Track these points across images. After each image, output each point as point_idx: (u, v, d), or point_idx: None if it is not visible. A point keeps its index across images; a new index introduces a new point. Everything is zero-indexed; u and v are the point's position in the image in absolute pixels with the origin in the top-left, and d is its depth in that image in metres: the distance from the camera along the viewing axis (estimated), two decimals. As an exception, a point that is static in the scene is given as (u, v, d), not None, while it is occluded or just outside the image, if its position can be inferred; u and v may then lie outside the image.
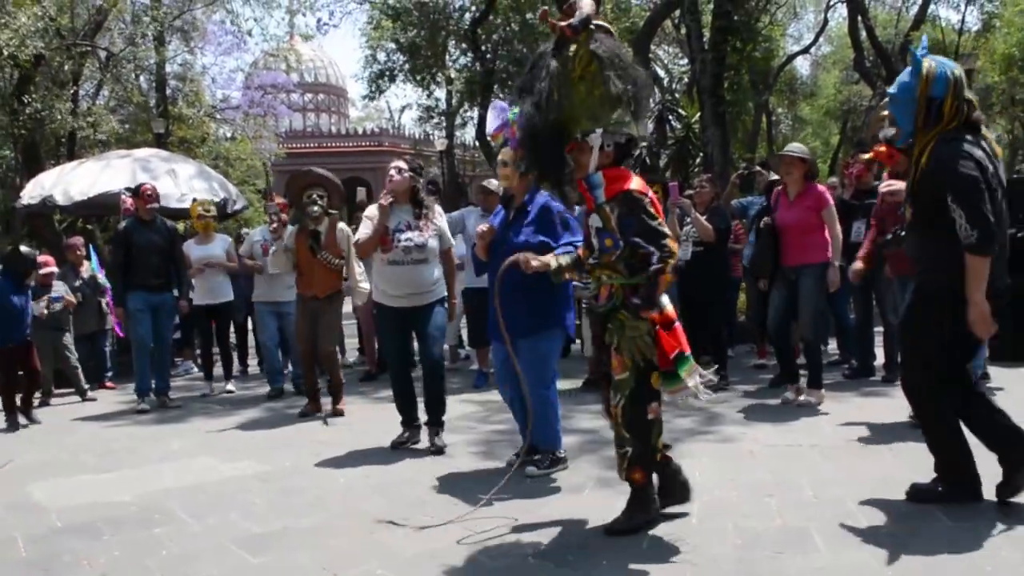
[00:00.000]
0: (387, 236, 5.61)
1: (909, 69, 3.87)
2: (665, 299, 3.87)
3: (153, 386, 8.17)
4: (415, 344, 5.87)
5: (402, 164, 5.86)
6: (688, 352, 3.87)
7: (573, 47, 3.71)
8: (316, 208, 7.01)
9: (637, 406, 3.80)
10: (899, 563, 3.32)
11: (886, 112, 4.02)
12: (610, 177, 3.88)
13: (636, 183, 3.89)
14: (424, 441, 5.79)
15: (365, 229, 5.69)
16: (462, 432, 6.13)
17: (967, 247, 3.63)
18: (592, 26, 3.71)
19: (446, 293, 5.93)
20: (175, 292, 8.33)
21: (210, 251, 8.81)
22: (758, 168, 9.70)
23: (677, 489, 4.05)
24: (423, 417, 5.87)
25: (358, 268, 7.46)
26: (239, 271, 9.17)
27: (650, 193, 3.90)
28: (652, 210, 3.80)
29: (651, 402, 3.83)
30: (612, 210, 3.84)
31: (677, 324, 3.90)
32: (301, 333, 7.21)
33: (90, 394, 8.95)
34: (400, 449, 5.76)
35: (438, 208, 6.07)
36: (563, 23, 3.68)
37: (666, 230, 3.79)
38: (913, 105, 3.83)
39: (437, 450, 5.61)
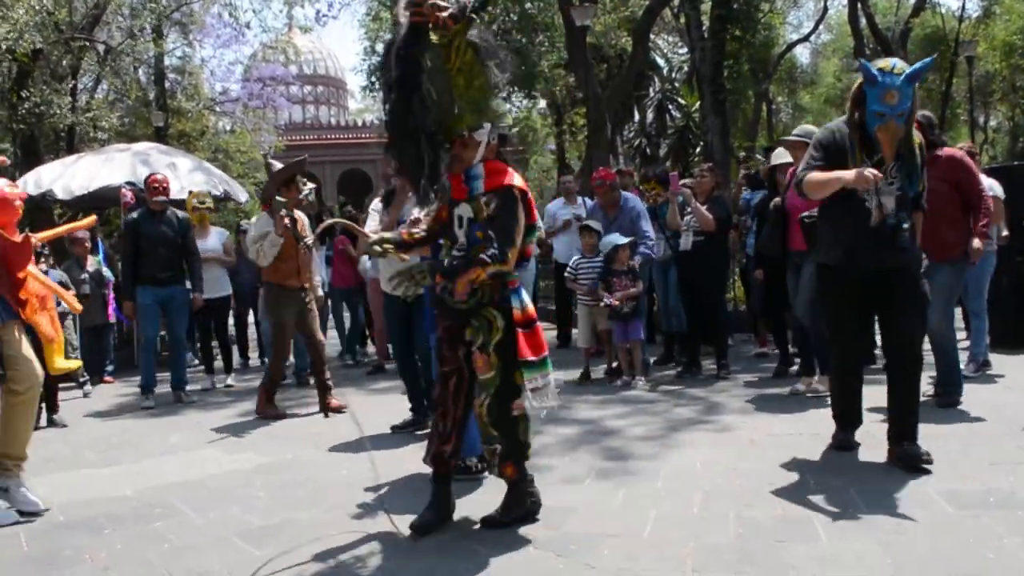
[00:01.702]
0: (393, 228, 5.63)
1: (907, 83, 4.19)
2: (526, 298, 3.81)
3: (170, 380, 8.10)
4: None
5: None
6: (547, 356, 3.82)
7: (440, 38, 3.54)
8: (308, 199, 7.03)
9: (503, 404, 3.76)
10: (901, 551, 3.31)
11: None
12: (491, 170, 3.80)
13: (518, 180, 3.81)
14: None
15: (373, 223, 5.73)
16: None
17: None
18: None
19: None
20: (187, 285, 8.15)
21: (206, 245, 8.78)
22: (758, 157, 9.70)
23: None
24: None
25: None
26: (232, 265, 9.20)
27: (529, 194, 3.84)
28: (521, 212, 3.74)
29: (515, 399, 3.76)
30: (488, 202, 3.73)
31: (538, 325, 3.85)
32: (290, 328, 7.05)
33: (87, 387, 8.95)
34: (401, 439, 5.76)
35: None
36: (442, 13, 3.48)
37: (518, 239, 3.72)
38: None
39: None
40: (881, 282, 4.44)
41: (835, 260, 4.52)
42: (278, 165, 7.09)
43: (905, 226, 4.39)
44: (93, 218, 7.04)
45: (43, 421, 7.25)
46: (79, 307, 5.77)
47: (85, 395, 8.68)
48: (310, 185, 7.22)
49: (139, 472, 5.36)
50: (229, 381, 8.86)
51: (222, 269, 9.02)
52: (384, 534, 3.91)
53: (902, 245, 4.40)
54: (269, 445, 5.91)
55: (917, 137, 4.47)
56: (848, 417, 4.84)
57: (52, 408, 7.24)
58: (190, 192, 9.41)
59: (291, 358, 8.66)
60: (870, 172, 4.07)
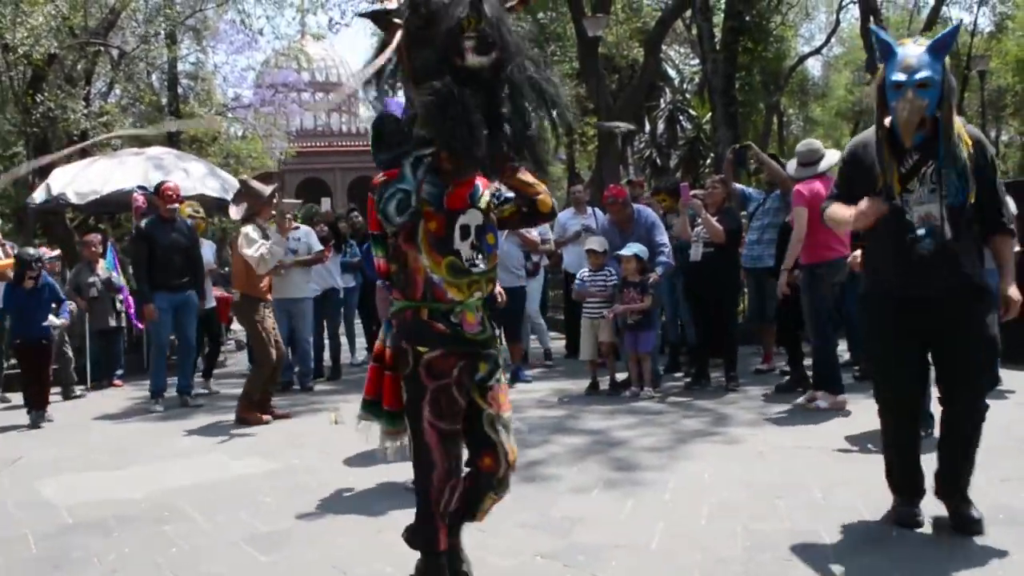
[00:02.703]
0: None
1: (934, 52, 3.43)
2: None
3: (177, 384, 8.17)
4: None
5: None
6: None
7: None
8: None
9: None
10: (909, 566, 3.31)
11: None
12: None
13: None
14: None
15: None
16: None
17: None
18: None
19: None
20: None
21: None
22: (749, 143, 9.66)
23: None
24: None
25: None
26: (216, 277, 9.39)
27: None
28: None
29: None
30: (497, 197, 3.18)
31: None
32: (275, 338, 7.19)
33: (78, 390, 8.99)
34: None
35: None
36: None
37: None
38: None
39: None
40: (932, 313, 3.57)
41: (875, 286, 3.78)
42: (258, 185, 7.23)
43: (953, 241, 3.48)
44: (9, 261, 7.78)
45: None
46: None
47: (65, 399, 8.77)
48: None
49: (148, 475, 5.38)
50: (211, 387, 9.01)
51: (210, 279, 9.16)
52: (391, 541, 3.91)
53: (955, 267, 3.51)
54: (277, 451, 5.92)
55: (962, 128, 3.57)
56: (908, 485, 3.82)
57: (40, 404, 7.41)
58: (182, 201, 9.46)
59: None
60: (871, 207, 3.53)
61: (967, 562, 3.32)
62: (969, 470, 3.66)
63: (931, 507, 3.80)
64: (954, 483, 3.67)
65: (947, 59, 3.44)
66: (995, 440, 5.22)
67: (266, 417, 7.04)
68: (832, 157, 6.75)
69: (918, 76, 3.36)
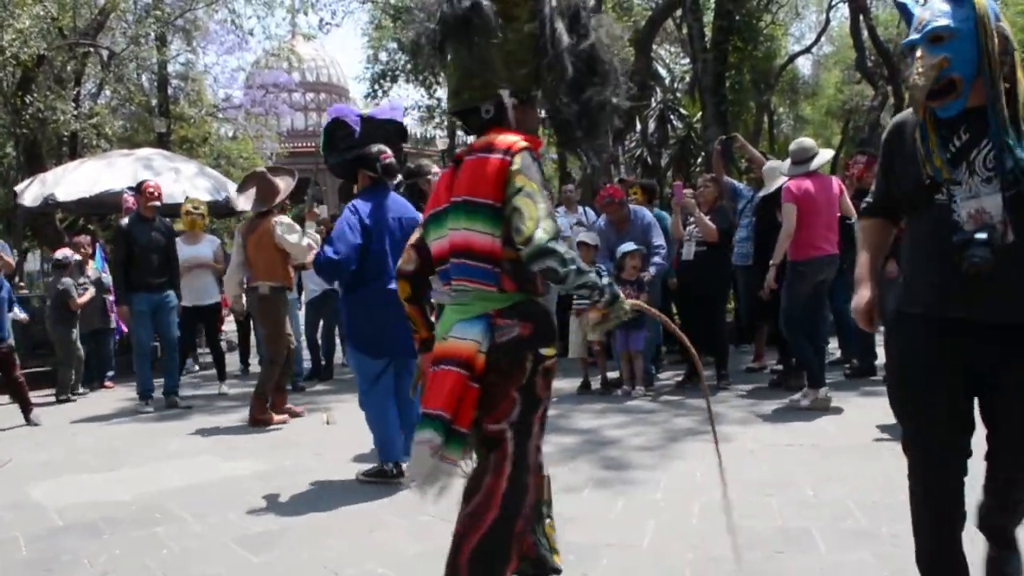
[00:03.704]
0: None
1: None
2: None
3: (163, 385, 8.14)
4: None
5: (439, 170, 5.97)
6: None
7: None
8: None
9: None
10: (899, 563, 3.31)
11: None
12: None
13: None
14: None
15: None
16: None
17: None
18: None
19: None
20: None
21: (198, 251, 8.85)
22: (735, 135, 9.67)
23: None
24: None
25: None
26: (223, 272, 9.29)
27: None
28: None
29: None
30: None
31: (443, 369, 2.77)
32: (286, 332, 7.16)
33: (81, 389, 8.99)
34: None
35: None
36: None
37: None
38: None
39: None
40: (983, 345, 2.51)
41: (907, 303, 2.68)
42: (273, 178, 7.26)
43: (1018, 246, 2.42)
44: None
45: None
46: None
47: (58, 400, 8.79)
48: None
49: (138, 477, 5.37)
50: (223, 388, 8.85)
51: (212, 276, 9.10)
52: (382, 541, 3.91)
53: (1019, 282, 2.45)
54: (267, 451, 5.91)
55: None
56: None
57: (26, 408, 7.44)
58: (187, 198, 9.45)
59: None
60: (860, 310, 2.81)
61: (956, 558, 3.33)
62: (1018, 521, 2.80)
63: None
64: (1000, 535, 2.81)
65: (993, 5, 2.52)
66: (983, 440, 5.25)
67: (281, 418, 6.97)
68: (824, 156, 6.81)
69: (929, 27, 2.52)
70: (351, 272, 4.84)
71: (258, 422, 6.83)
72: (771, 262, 6.64)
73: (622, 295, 2.63)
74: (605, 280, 2.60)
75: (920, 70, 2.50)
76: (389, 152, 5.06)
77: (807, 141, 6.95)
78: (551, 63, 2.69)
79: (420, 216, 4.95)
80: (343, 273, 4.88)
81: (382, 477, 4.92)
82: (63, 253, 9.20)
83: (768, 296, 6.94)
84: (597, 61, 2.77)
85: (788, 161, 6.98)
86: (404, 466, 4.80)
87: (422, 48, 2.71)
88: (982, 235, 2.42)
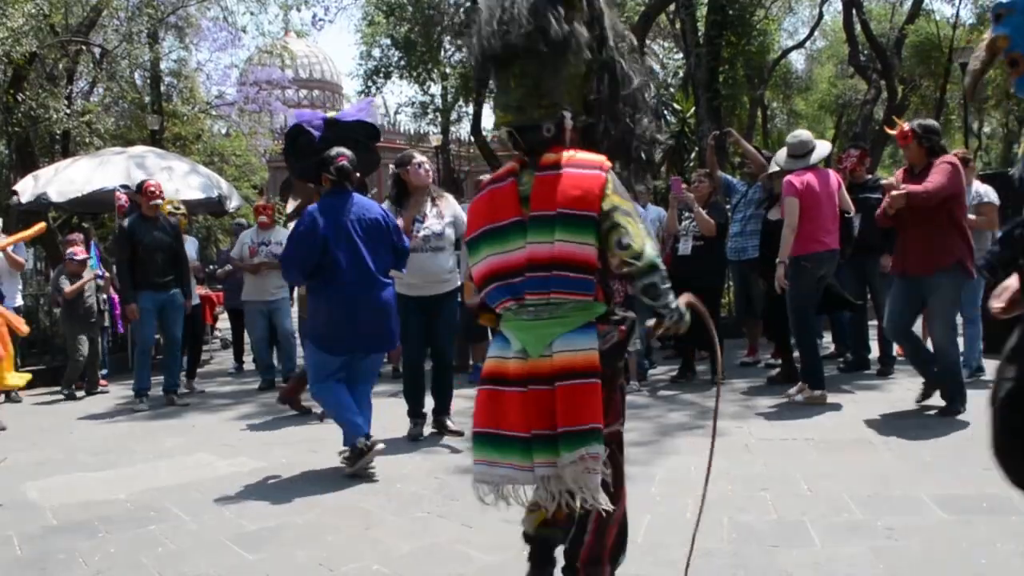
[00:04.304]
0: (410, 227, 5.79)
1: None
2: (491, 349, 2.83)
3: (163, 383, 8.15)
4: None
5: (423, 159, 6.00)
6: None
7: None
8: None
9: None
10: (894, 556, 3.32)
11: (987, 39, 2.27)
12: None
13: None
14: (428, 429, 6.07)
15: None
16: (456, 426, 6.13)
17: None
18: None
19: (460, 283, 6.15)
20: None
21: None
22: (729, 129, 9.65)
23: None
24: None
25: None
26: (200, 275, 9.38)
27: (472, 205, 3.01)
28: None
29: None
30: None
31: (487, 388, 2.75)
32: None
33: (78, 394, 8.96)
34: (394, 445, 5.76)
35: (451, 197, 6.18)
36: None
37: None
38: None
39: (457, 432, 5.90)
40: None
41: None
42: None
43: None
44: (42, 225, 7.49)
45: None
46: (26, 330, 6.13)
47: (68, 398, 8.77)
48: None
49: (133, 475, 5.36)
50: (194, 386, 8.95)
51: (192, 277, 9.15)
52: (378, 538, 3.91)
53: None
54: (263, 449, 5.90)
55: None
56: None
57: None
58: (167, 198, 9.42)
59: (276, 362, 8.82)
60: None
61: (951, 551, 3.35)
62: None
63: (922, 502, 3.82)
64: None
65: None
66: (978, 429, 5.27)
67: (306, 405, 7.13)
68: (823, 149, 6.74)
69: (994, 5, 2.46)
70: (312, 273, 5.06)
71: (287, 401, 7.07)
72: (778, 259, 6.56)
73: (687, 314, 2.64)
74: (675, 301, 2.62)
75: (975, 51, 2.46)
76: (347, 154, 5.19)
77: (805, 134, 6.89)
78: (625, 99, 2.78)
79: (381, 215, 5.20)
80: (303, 273, 5.11)
81: (359, 456, 5.04)
82: (71, 251, 9.17)
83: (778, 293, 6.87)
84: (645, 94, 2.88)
85: (783, 152, 6.92)
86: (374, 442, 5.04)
87: (487, 57, 2.71)
88: None
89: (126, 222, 8.06)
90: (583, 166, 2.64)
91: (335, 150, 5.17)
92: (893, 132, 6.12)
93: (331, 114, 5.65)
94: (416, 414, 6.04)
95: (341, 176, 5.13)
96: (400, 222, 5.62)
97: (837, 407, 6.23)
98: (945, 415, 5.74)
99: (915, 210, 5.67)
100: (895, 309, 6.08)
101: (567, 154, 2.67)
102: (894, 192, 5.73)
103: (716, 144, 8.78)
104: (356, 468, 4.99)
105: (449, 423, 6.04)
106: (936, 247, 5.73)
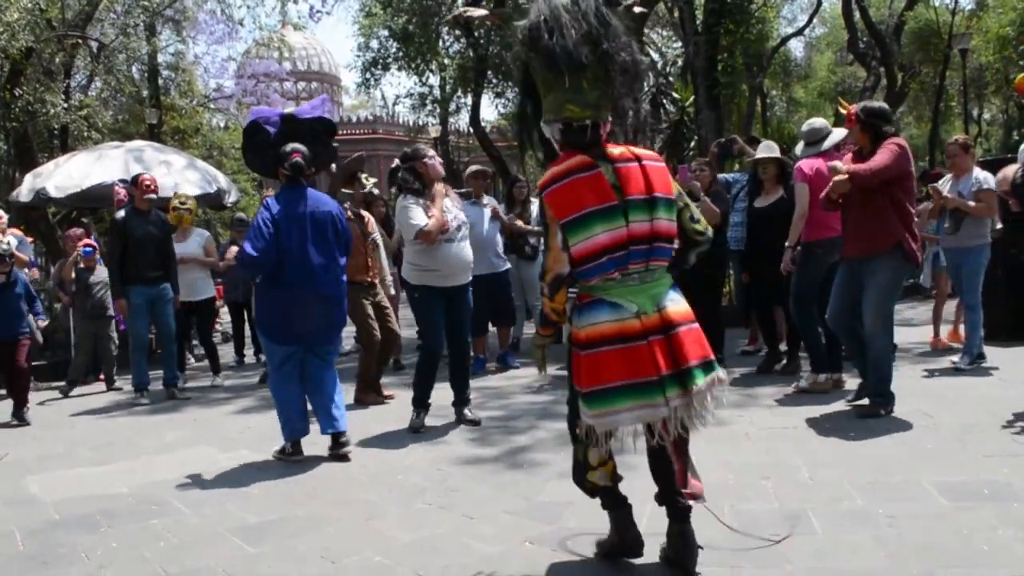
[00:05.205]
0: (444, 219, 5.89)
1: None
2: (590, 316, 3.19)
3: (162, 378, 8.16)
4: None
5: (432, 151, 6.17)
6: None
7: None
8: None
9: (570, 416, 3.46)
10: (896, 544, 3.32)
11: None
12: None
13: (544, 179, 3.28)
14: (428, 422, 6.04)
15: (422, 217, 5.80)
16: (454, 417, 6.13)
17: None
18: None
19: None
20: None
21: (185, 248, 8.81)
22: (734, 137, 9.65)
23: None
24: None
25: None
26: (214, 266, 9.29)
27: (556, 187, 3.16)
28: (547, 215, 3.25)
29: (577, 418, 3.28)
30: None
31: (601, 351, 3.10)
32: (372, 323, 7.13)
33: (88, 387, 8.97)
34: (396, 436, 5.76)
35: (449, 188, 6.27)
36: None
37: (552, 244, 3.27)
38: None
39: (475, 422, 5.97)
40: None
41: None
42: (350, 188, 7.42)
43: None
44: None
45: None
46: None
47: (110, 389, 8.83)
48: (372, 180, 7.72)
49: (135, 470, 5.36)
50: (218, 380, 8.84)
51: (204, 271, 9.08)
52: (379, 530, 3.91)
53: None
54: (264, 442, 5.89)
55: None
56: None
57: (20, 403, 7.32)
58: (174, 193, 9.40)
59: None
60: None
61: (952, 537, 3.34)
62: None
63: (923, 489, 3.80)
64: None
65: None
66: (979, 416, 5.27)
67: (389, 393, 7.23)
68: (838, 134, 6.62)
69: None
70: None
71: (360, 401, 7.08)
72: (787, 244, 6.49)
73: None
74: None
75: None
76: (301, 150, 5.36)
77: (818, 121, 6.81)
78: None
79: (334, 209, 5.37)
80: (265, 268, 5.19)
81: (283, 454, 5.35)
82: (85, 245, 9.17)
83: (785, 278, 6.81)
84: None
85: (801, 145, 6.85)
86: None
87: (572, 54, 2.98)
88: None
89: (119, 215, 8.05)
90: (654, 159, 3.20)
91: (289, 146, 5.35)
92: (844, 111, 5.97)
93: (288, 110, 5.80)
94: (421, 404, 6.01)
95: (295, 171, 5.32)
96: (434, 215, 5.76)
97: (837, 395, 6.22)
98: (865, 416, 5.48)
99: (859, 192, 5.47)
100: (834, 295, 5.83)
101: (632, 149, 3.15)
102: (837, 177, 5.46)
103: (720, 152, 8.79)
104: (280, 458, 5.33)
105: (468, 413, 6.06)
106: (873, 229, 5.47)
